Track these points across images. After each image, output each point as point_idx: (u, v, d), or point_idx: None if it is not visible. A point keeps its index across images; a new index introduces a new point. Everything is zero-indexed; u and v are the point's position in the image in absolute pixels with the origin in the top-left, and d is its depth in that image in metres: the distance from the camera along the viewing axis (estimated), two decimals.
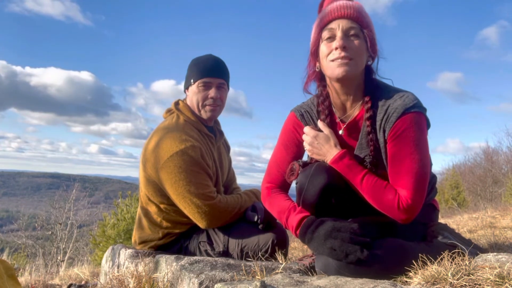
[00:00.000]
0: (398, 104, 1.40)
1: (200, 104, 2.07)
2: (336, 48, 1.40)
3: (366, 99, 1.47)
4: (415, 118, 1.39)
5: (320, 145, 1.49)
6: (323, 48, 1.45)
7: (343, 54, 1.39)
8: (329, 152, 1.47)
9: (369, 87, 1.49)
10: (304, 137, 1.55)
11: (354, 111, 1.52)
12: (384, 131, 1.43)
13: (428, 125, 1.46)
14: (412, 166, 1.36)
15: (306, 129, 1.55)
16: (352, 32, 1.41)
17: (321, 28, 1.46)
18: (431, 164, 1.56)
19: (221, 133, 2.27)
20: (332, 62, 1.42)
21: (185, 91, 2.19)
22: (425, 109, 1.43)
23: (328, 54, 1.43)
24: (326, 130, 1.51)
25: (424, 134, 1.41)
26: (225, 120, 2.32)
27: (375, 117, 1.45)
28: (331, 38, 1.43)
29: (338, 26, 1.41)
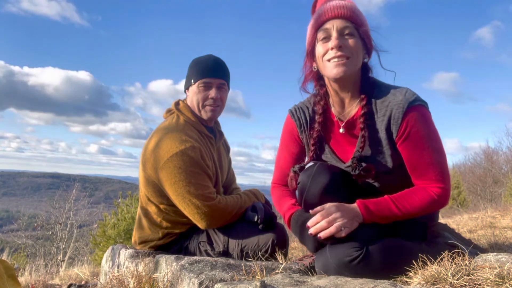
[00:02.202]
0: (400, 99, 1.41)
1: (200, 105, 2.07)
2: (332, 48, 1.42)
3: (362, 96, 1.49)
4: (420, 112, 1.41)
5: (342, 213, 1.36)
6: (319, 48, 1.46)
7: (339, 53, 1.41)
8: (353, 211, 1.38)
9: (366, 84, 1.51)
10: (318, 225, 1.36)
11: (352, 109, 1.53)
12: (388, 128, 1.44)
13: None
14: (431, 158, 1.40)
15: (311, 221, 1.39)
16: (347, 31, 1.43)
17: (316, 29, 1.47)
18: None
19: (221, 134, 2.27)
20: (328, 62, 1.43)
21: (185, 91, 2.18)
22: (426, 103, 1.45)
23: (324, 54, 1.44)
24: (320, 209, 1.40)
25: (432, 124, 1.44)
26: (222, 120, 2.31)
27: (371, 114, 1.47)
28: (327, 38, 1.44)
29: (332, 26, 1.43)
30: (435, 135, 1.42)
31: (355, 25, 1.44)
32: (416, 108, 1.40)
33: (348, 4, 1.46)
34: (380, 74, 1.56)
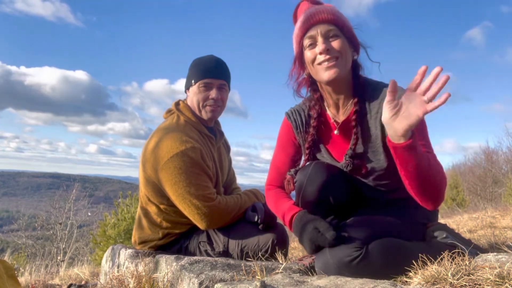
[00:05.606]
0: None
1: (200, 105, 2.07)
2: (321, 53, 1.44)
3: (355, 95, 1.51)
4: None
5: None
6: (308, 54, 1.48)
7: (328, 56, 1.43)
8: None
9: (357, 83, 1.53)
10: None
11: (347, 110, 1.55)
12: (382, 126, 1.44)
13: None
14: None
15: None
16: (331, 33, 1.45)
17: (301, 37, 1.50)
18: None
19: (222, 134, 2.27)
20: (319, 66, 1.45)
21: (185, 92, 2.18)
22: None
23: (314, 59, 1.47)
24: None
25: (423, 122, 1.43)
26: (220, 120, 2.32)
27: (363, 113, 1.49)
28: (313, 44, 1.47)
29: (317, 32, 1.45)
30: (426, 133, 1.43)
31: (338, 26, 1.46)
32: None
33: (328, 8, 1.49)
34: (374, 70, 1.57)
